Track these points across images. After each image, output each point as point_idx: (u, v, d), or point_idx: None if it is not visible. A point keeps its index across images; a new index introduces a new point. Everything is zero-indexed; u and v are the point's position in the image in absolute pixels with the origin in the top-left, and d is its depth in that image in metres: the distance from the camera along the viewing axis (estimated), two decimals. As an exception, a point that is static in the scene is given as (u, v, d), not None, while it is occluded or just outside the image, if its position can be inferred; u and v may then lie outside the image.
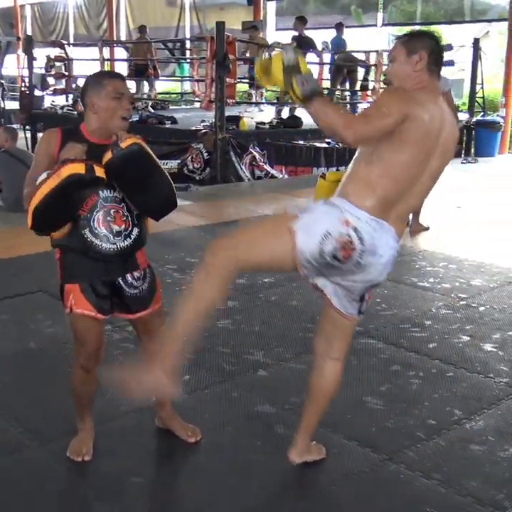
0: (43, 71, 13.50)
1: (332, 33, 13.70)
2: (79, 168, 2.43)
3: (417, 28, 13.77)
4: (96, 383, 2.82)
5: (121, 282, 2.68)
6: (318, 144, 10.54)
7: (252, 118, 10.43)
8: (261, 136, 10.13)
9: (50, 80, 13.40)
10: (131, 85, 14.76)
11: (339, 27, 13.62)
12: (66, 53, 13.04)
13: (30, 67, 13.02)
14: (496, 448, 3.00)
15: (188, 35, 19.49)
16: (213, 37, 9.81)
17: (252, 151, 9.79)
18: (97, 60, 12.46)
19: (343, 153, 10.71)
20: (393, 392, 3.53)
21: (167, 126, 10.72)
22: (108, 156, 2.48)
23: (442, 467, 2.85)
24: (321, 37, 14.93)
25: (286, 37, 13.56)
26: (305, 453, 2.80)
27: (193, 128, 10.15)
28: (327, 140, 10.96)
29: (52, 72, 13.27)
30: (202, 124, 10.29)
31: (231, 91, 10.02)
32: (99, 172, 2.48)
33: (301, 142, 10.45)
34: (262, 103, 12.82)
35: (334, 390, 2.69)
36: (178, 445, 3.00)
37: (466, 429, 3.16)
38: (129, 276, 2.68)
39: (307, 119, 11.06)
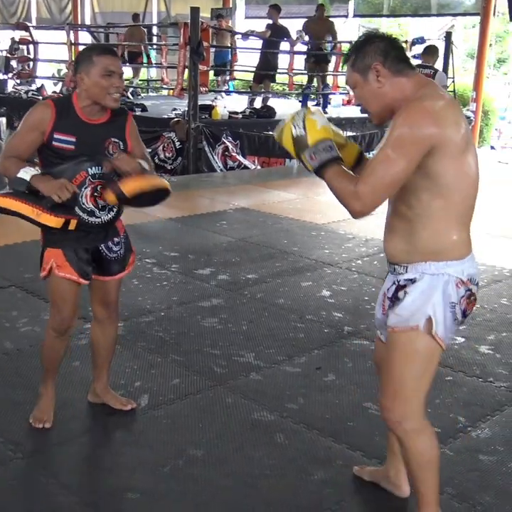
0: (5, 54, 13.06)
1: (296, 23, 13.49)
2: (55, 223, 2.61)
3: (384, 20, 13.71)
4: (64, 350, 2.94)
5: (103, 247, 2.82)
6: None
7: (224, 107, 10.20)
8: (234, 125, 9.92)
9: (14, 64, 12.96)
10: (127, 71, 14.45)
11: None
12: (31, 36, 12.62)
13: (-7, 49, 12.60)
14: (506, 458, 2.88)
15: (155, 21, 19.11)
16: (187, 23, 9.55)
17: (225, 141, 9.58)
18: (64, 44, 12.08)
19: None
20: (393, 397, 3.38)
21: (137, 113, 10.41)
22: (111, 198, 2.62)
23: (453, 479, 2.71)
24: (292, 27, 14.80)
25: (256, 25, 13.34)
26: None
27: (165, 116, 9.89)
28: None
29: (16, 56, 12.82)
30: (174, 112, 10.04)
31: (204, 79, 9.79)
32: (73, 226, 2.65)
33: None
34: (232, 92, 12.56)
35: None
36: (174, 457, 2.81)
37: (473, 438, 3.03)
38: (109, 242, 2.83)
39: (281, 110, 10.95)
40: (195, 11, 9.07)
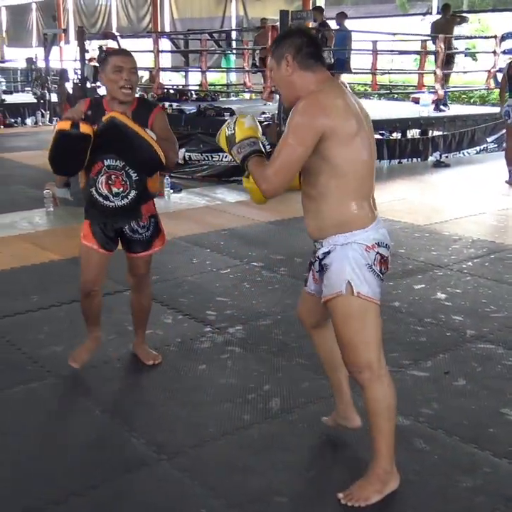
0: (94, 63, 13.37)
1: (375, 22, 13.37)
2: (65, 126, 3.01)
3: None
4: (95, 308, 3.46)
5: (127, 229, 3.30)
6: (376, 136, 10.25)
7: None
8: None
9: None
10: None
11: (340, 18, 13.20)
12: (119, 45, 12.87)
13: (82, 59, 12.87)
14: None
15: (233, 26, 19.26)
16: (275, 26, 9.59)
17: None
18: (150, 51, 12.28)
19: (393, 145, 10.44)
20: (529, 402, 3.29)
21: (226, 118, 10.50)
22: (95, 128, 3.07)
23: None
24: (367, 26, 14.66)
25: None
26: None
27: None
28: (381, 132, 10.71)
29: (104, 64, 13.11)
30: (263, 116, 10.06)
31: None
32: (86, 129, 3.01)
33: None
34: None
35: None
36: (317, 459, 2.80)
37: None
38: (134, 224, 3.30)
39: (381, 111, 10.85)
40: (284, 15, 9.07)
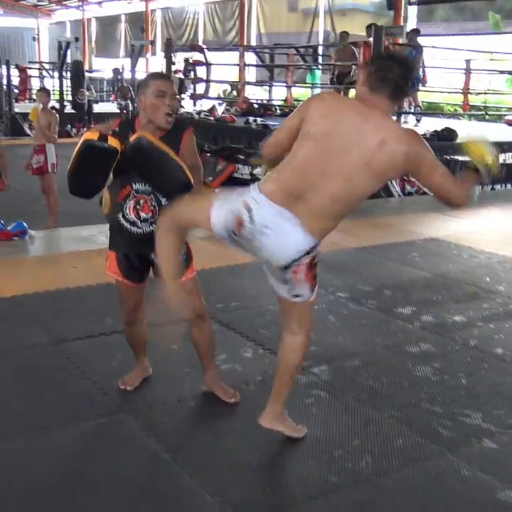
0: (180, 75, 13.31)
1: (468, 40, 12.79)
2: (93, 136, 2.87)
3: None
4: (137, 336, 3.39)
5: (153, 256, 3.02)
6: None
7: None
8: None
9: (188, 85, 13.19)
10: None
11: (412, 34, 12.61)
12: (205, 57, 12.78)
13: (169, 70, 12.88)
14: None
15: (320, 41, 18.99)
16: (367, 41, 9.25)
17: (404, 164, 9.10)
18: (236, 65, 12.12)
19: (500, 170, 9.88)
20: None
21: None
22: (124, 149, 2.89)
23: None
24: (461, 44, 14.10)
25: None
26: (276, 421, 2.93)
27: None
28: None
29: (190, 77, 13.03)
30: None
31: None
32: (113, 143, 2.87)
33: (456, 157, 9.67)
34: (411, 113, 12.00)
35: (292, 360, 2.89)
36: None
37: None
38: None
39: (462, 132, 10.36)
40: (379, 30, 8.71)
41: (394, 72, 2.48)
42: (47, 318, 4.39)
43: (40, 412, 3.25)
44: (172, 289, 2.65)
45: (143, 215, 3.01)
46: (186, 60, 13.17)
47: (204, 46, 13.63)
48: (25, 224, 6.31)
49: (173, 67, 13.08)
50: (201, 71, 13.46)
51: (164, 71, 12.97)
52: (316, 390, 3.52)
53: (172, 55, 12.83)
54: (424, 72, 12.08)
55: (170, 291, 2.64)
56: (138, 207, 3.01)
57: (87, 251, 5.87)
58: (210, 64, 12.81)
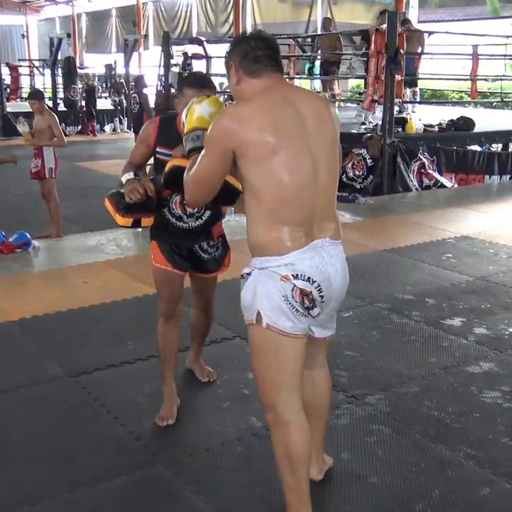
0: (178, 70, 12.82)
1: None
2: (126, 222, 2.92)
3: None
4: (176, 338, 3.17)
5: (198, 248, 3.08)
6: (492, 149, 9.33)
7: (420, 119, 9.29)
8: (430, 140, 9.01)
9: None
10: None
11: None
12: (205, 50, 12.30)
13: (167, 65, 12.41)
14: None
15: (318, 31, 18.46)
16: (379, 29, 8.77)
17: (422, 157, 8.68)
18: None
19: (505, 159, 9.48)
20: None
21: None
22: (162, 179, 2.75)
23: None
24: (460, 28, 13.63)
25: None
26: (324, 466, 2.66)
27: (354, 131, 9.13)
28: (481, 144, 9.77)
29: (189, 71, 12.54)
30: (363, 126, 9.27)
31: (398, 89, 8.93)
32: (147, 223, 2.97)
33: (474, 147, 9.26)
34: (417, 102, 11.53)
35: (328, 393, 2.57)
36: None
37: None
38: (204, 244, 3.09)
39: (480, 121, 9.92)
40: (393, 16, 8.26)
41: (260, 47, 2.17)
42: (61, 344, 3.94)
43: (65, 461, 2.83)
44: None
45: (189, 210, 2.96)
46: (185, 54, 12.68)
47: (203, 39, 13.13)
48: (28, 235, 5.86)
49: (171, 61, 12.59)
50: (199, 64, 12.99)
51: (162, 65, 12.51)
52: (376, 425, 3.08)
53: (170, 48, 12.33)
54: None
55: None
56: (184, 202, 2.91)
57: (97, 263, 5.43)
58: (210, 57, 12.34)
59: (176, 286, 3.11)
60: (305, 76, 16.08)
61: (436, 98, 16.56)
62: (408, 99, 10.76)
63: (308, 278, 2.12)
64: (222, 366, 3.62)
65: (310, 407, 2.38)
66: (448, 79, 13.79)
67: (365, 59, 13.46)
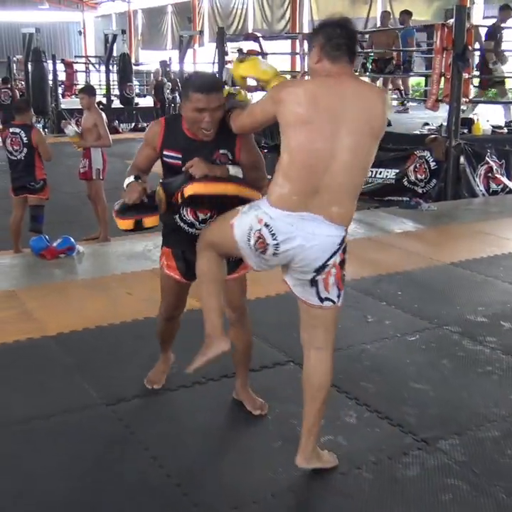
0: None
1: None
2: (127, 225, 2.77)
3: None
4: (174, 329, 3.29)
5: None
6: None
7: (487, 120, 8.75)
8: (499, 142, 8.46)
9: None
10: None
11: (403, 16, 11.74)
12: (261, 47, 11.92)
13: (221, 61, 12.07)
14: None
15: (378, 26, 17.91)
16: (445, 24, 8.26)
17: (489, 160, 8.15)
18: (296, 54, 11.24)
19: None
20: None
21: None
22: (179, 200, 2.68)
23: None
24: None
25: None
26: (313, 459, 2.65)
27: (417, 132, 8.64)
28: None
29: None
30: (426, 127, 8.77)
31: (465, 88, 8.42)
32: (151, 223, 2.77)
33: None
34: (481, 102, 10.92)
35: (325, 380, 2.62)
36: None
37: None
38: None
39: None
40: (461, 10, 7.75)
41: (343, 36, 2.40)
42: (99, 364, 3.62)
43: (93, 507, 2.50)
44: (218, 344, 2.55)
45: (201, 216, 2.82)
46: (240, 50, 12.31)
47: (259, 34, 12.75)
48: (72, 239, 5.58)
49: (226, 58, 12.27)
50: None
51: (216, 62, 12.19)
52: (451, 479, 2.66)
53: (225, 45, 12.00)
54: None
55: (215, 346, 2.55)
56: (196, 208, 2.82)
57: (143, 272, 5.10)
58: (266, 54, 11.95)
59: (183, 294, 3.11)
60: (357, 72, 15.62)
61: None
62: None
63: (273, 233, 2.40)
64: (273, 397, 3.25)
65: (304, 382, 2.63)
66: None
67: (424, 56, 12.98)
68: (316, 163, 2.36)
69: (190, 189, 2.63)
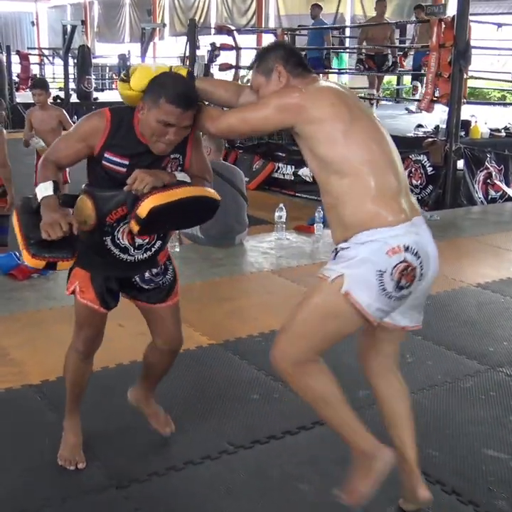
0: (205, 61, 11.83)
1: None
2: (32, 264, 2.22)
3: None
4: (89, 372, 2.70)
5: (138, 279, 2.54)
6: None
7: (485, 123, 8.27)
8: (498, 146, 7.99)
9: (214, 71, 11.67)
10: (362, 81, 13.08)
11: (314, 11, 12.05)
12: (235, 41, 11.28)
13: (193, 55, 11.39)
14: None
15: (348, 22, 17.44)
16: (442, 19, 7.75)
17: (488, 165, 7.67)
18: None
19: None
20: None
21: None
22: (135, 227, 2.23)
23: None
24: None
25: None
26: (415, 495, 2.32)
27: (411, 135, 8.11)
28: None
29: (216, 63, 11.54)
30: (420, 129, 8.25)
31: (464, 89, 7.90)
32: (65, 266, 2.29)
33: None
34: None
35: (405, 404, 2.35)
36: None
37: None
38: (146, 273, 2.55)
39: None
40: (464, 3, 7.22)
41: (292, 54, 2.29)
42: (100, 424, 2.94)
43: None
44: (382, 458, 2.13)
45: (138, 241, 2.43)
46: (212, 44, 11.65)
47: (233, 28, 12.07)
48: (46, 256, 4.84)
49: (197, 52, 11.59)
50: (229, 56, 11.98)
51: (187, 55, 11.50)
52: None
53: (196, 38, 11.31)
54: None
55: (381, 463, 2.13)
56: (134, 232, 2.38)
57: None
58: (240, 48, 11.29)
59: (101, 326, 2.62)
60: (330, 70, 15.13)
61: (474, 97, 15.53)
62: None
63: (416, 252, 2.05)
64: (300, 476, 2.62)
65: (391, 417, 2.35)
66: (492, 79, 12.73)
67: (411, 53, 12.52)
68: (389, 163, 2.13)
69: (148, 204, 2.16)
